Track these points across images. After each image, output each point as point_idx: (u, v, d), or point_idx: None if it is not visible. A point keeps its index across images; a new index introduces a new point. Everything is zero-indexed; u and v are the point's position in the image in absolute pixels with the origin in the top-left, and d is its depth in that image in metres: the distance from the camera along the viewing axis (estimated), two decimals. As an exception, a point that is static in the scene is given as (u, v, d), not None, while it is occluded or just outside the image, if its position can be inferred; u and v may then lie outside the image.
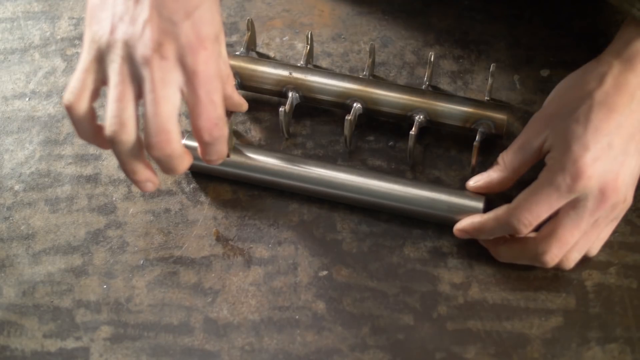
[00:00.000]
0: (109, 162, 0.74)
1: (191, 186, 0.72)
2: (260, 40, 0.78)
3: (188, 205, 0.71)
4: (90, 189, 0.73)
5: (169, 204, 0.72)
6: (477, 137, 0.68)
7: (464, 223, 0.66)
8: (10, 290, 0.69)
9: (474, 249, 0.68)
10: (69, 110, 0.55)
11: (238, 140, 0.74)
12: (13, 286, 0.69)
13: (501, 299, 0.66)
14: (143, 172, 0.56)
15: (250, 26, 0.74)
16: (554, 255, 0.61)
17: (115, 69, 0.53)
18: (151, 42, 0.52)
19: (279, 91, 0.72)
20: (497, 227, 0.63)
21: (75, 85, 0.55)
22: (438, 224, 0.69)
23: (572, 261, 0.63)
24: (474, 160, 0.68)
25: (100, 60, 0.54)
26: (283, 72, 0.72)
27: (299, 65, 0.73)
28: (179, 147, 0.54)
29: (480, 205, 0.66)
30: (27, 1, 0.82)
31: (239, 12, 0.79)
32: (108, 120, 0.53)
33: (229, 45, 0.78)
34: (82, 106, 0.55)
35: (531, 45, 0.76)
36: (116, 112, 0.53)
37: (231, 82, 0.60)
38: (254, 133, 0.74)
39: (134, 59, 0.52)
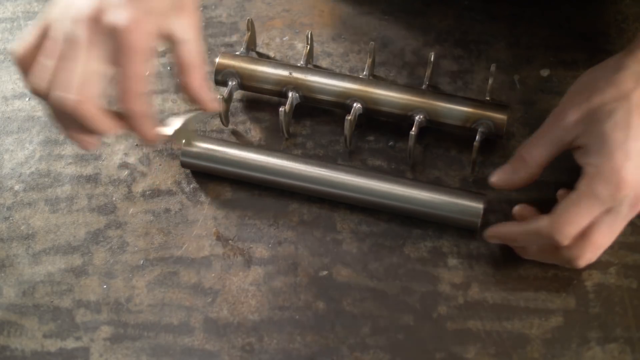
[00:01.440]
0: (109, 162, 0.74)
1: (191, 186, 0.72)
2: (260, 40, 0.78)
3: (188, 205, 0.71)
4: (90, 189, 0.73)
5: (169, 204, 0.72)
6: (477, 137, 0.68)
7: (500, 230, 0.64)
8: (10, 290, 0.69)
9: (474, 249, 0.68)
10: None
11: (238, 140, 0.74)
12: (13, 286, 0.69)
13: (501, 299, 0.66)
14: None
15: (250, 26, 0.74)
16: (587, 260, 0.61)
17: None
18: (92, 8, 0.53)
19: (279, 91, 0.72)
20: (536, 238, 0.62)
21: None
22: (438, 224, 0.69)
23: (597, 256, 0.62)
24: (473, 160, 0.68)
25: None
26: (283, 72, 0.72)
27: (299, 65, 0.73)
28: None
29: (480, 205, 0.66)
30: (27, 1, 0.82)
31: (239, 12, 0.79)
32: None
33: (229, 45, 0.78)
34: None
35: (531, 45, 0.76)
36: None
37: (199, 72, 0.58)
38: (254, 133, 0.74)
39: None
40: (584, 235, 0.60)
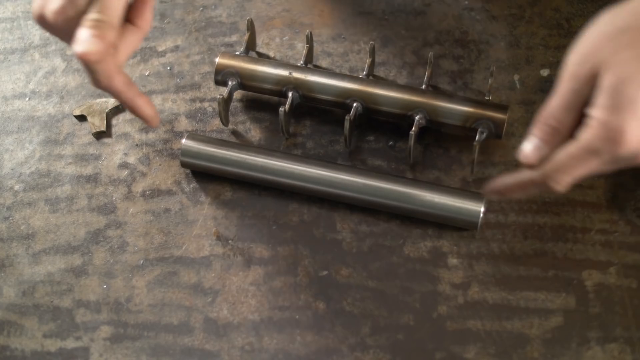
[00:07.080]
0: (109, 162, 0.74)
1: (191, 186, 0.72)
2: (260, 40, 0.78)
3: (188, 205, 0.71)
4: (90, 189, 0.73)
5: (169, 204, 0.72)
6: (477, 137, 0.68)
7: (496, 184, 0.60)
8: (10, 290, 0.69)
9: (474, 248, 0.68)
10: None
11: (238, 140, 0.74)
12: (13, 286, 0.69)
13: (501, 299, 0.66)
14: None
15: (250, 26, 0.74)
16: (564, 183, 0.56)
17: None
18: None
19: (279, 91, 0.72)
20: (530, 186, 0.57)
21: None
22: (438, 223, 0.69)
23: None
24: (473, 160, 0.68)
25: None
26: (283, 72, 0.72)
27: (299, 65, 0.73)
28: None
29: (480, 205, 0.66)
30: (27, 1, 0.82)
31: (239, 12, 0.79)
32: None
33: (229, 45, 0.78)
34: None
35: (531, 45, 0.76)
36: None
37: None
38: (254, 133, 0.74)
39: None
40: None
